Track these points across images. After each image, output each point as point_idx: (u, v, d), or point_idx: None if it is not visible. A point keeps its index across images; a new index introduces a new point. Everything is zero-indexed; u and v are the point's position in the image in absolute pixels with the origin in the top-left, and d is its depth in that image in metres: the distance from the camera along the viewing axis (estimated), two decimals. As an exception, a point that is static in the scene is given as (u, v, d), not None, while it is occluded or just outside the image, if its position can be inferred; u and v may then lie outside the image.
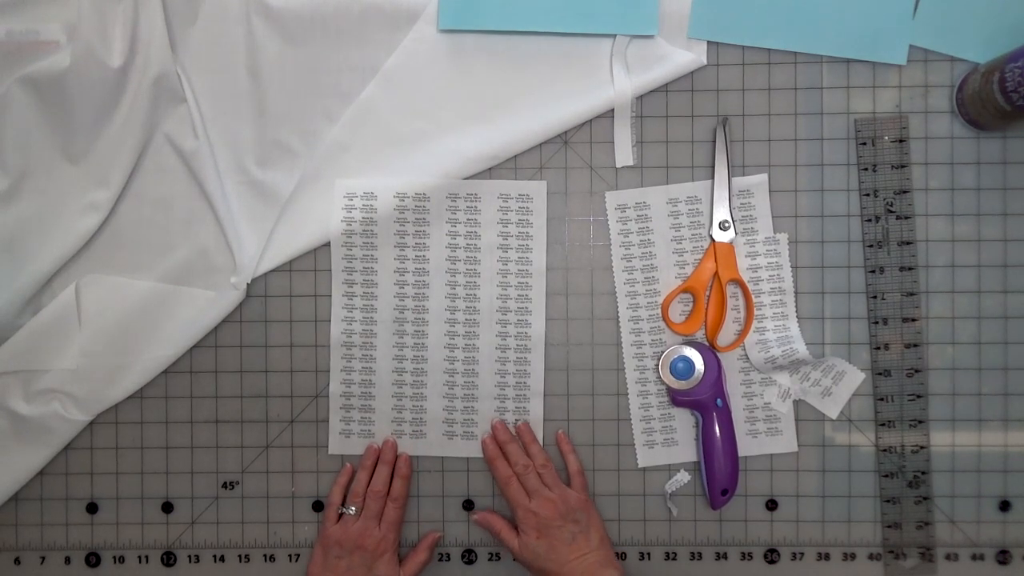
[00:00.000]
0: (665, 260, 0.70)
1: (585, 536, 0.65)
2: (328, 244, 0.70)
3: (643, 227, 0.70)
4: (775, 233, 0.69)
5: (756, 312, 0.69)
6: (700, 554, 0.71)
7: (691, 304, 0.70)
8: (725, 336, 0.70)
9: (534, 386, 0.71)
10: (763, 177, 0.69)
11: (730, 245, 0.69)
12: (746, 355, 0.70)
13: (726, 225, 0.69)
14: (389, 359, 0.71)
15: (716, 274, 0.69)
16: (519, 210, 0.70)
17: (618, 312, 0.70)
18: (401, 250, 0.70)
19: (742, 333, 0.69)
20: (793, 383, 0.69)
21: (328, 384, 0.71)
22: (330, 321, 0.71)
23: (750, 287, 0.69)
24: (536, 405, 0.71)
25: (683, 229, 0.70)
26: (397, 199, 0.70)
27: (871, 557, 0.70)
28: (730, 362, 0.70)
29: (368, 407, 0.71)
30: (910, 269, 0.69)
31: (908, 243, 0.69)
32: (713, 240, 0.69)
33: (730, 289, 0.69)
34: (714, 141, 0.69)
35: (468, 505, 0.72)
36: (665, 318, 0.70)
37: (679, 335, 0.70)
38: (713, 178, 0.69)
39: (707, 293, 0.70)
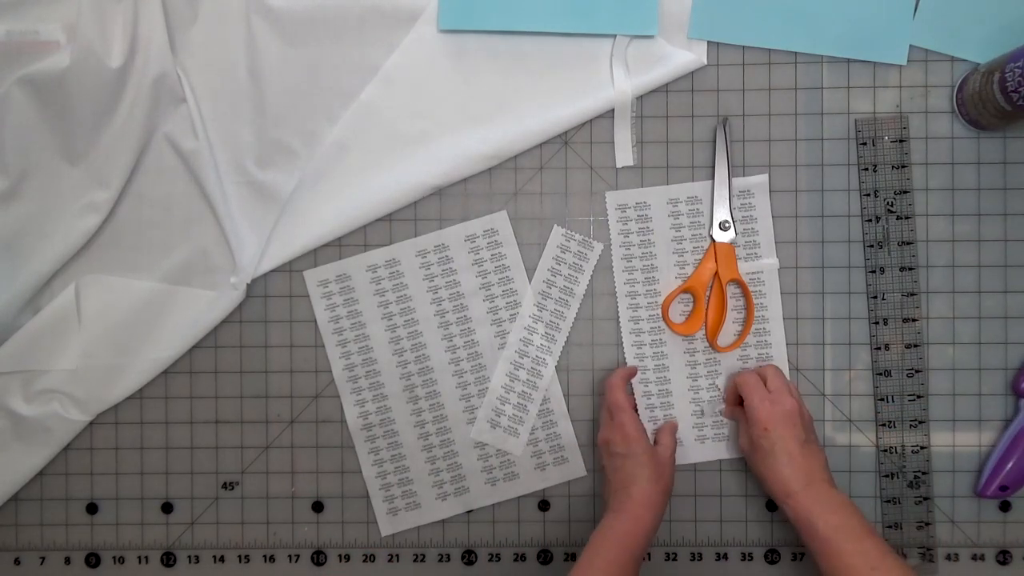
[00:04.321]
0: (665, 260, 0.70)
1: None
2: (327, 244, 0.70)
3: (643, 227, 0.70)
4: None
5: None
6: (700, 555, 0.71)
7: (691, 304, 0.70)
8: (725, 337, 0.70)
9: (557, 409, 0.71)
10: (763, 178, 0.69)
11: (730, 245, 0.69)
12: (745, 356, 0.70)
13: (726, 225, 0.69)
14: (411, 427, 0.71)
15: (716, 274, 0.69)
16: (489, 245, 0.70)
17: (618, 312, 0.70)
18: (390, 320, 0.71)
19: (742, 334, 0.69)
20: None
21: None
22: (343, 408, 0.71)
23: (750, 288, 0.69)
24: (566, 427, 0.71)
25: (683, 229, 0.70)
26: (370, 272, 0.70)
27: (871, 557, 0.70)
28: (730, 363, 0.70)
29: (406, 479, 0.71)
30: (910, 269, 0.69)
31: (908, 243, 0.69)
32: (713, 240, 0.69)
33: (730, 289, 0.69)
34: (714, 141, 0.69)
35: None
36: (665, 318, 0.70)
37: (679, 335, 0.70)
38: (713, 178, 0.69)
39: (707, 293, 0.70)
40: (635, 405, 0.67)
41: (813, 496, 0.60)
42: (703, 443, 0.70)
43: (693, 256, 0.70)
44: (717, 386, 0.70)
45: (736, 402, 0.68)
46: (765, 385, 0.65)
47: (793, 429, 0.62)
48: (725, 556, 0.71)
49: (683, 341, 0.70)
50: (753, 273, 0.70)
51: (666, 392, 0.70)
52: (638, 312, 0.70)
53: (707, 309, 0.70)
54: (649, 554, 0.71)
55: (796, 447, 0.62)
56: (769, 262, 0.70)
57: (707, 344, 0.70)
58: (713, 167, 0.69)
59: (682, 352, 0.70)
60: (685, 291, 0.70)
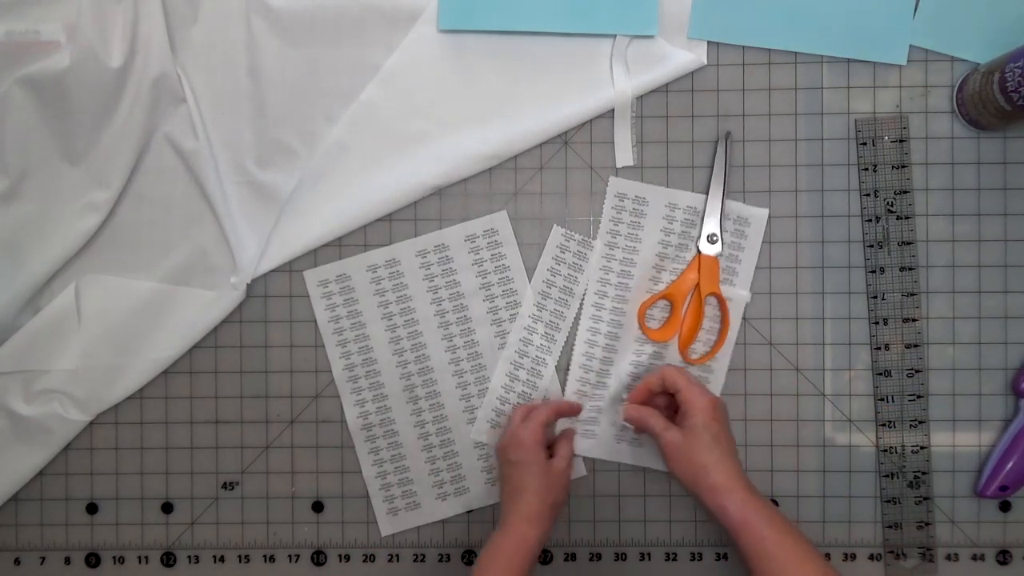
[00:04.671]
0: (645, 260, 0.70)
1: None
2: (327, 244, 0.70)
3: (635, 221, 0.70)
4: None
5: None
6: (700, 555, 0.71)
7: (666, 311, 0.70)
8: (696, 349, 0.70)
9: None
10: (764, 212, 0.69)
11: (715, 259, 0.69)
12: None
13: (714, 239, 0.69)
14: (411, 427, 0.71)
15: (697, 285, 0.69)
16: (489, 245, 0.70)
17: (582, 302, 0.70)
18: (390, 320, 0.71)
19: (714, 347, 0.69)
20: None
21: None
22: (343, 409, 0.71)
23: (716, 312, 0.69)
24: (564, 421, 0.71)
25: (672, 236, 0.70)
26: (370, 272, 0.70)
27: (871, 557, 0.70)
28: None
29: (406, 479, 0.71)
30: (910, 269, 0.69)
31: (908, 243, 0.69)
32: (699, 252, 0.69)
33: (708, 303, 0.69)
34: (714, 154, 0.69)
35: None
36: (640, 322, 0.69)
37: (654, 342, 0.70)
38: (707, 191, 0.69)
39: (685, 303, 0.69)
40: (544, 422, 0.66)
41: (755, 495, 0.60)
42: (619, 443, 0.70)
43: (672, 263, 0.70)
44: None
45: (646, 400, 0.66)
46: None
47: (728, 425, 0.63)
48: (725, 556, 0.71)
49: (635, 342, 0.70)
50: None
51: (603, 384, 0.70)
52: (603, 300, 0.70)
53: (684, 319, 0.69)
54: (649, 554, 0.71)
55: (733, 442, 0.63)
56: (741, 293, 0.69)
57: (657, 349, 0.70)
58: (710, 179, 0.69)
59: (631, 352, 0.70)
60: (663, 298, 0.69)
